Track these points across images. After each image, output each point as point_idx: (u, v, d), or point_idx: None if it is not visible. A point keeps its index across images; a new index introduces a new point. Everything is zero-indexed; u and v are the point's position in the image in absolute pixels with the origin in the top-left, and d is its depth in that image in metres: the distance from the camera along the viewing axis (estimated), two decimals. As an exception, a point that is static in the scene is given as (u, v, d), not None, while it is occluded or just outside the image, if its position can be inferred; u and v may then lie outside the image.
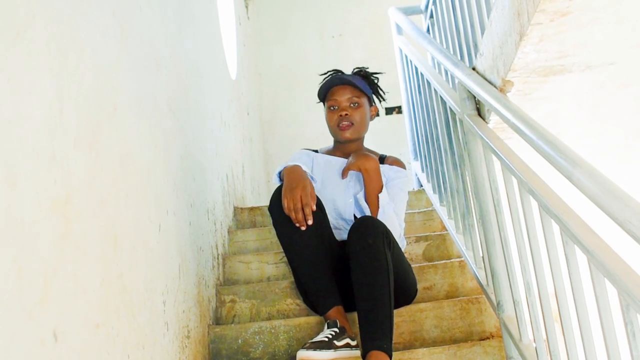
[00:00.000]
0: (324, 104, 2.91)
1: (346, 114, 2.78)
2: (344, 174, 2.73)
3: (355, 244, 2.37)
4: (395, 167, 2.81)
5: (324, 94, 2.87)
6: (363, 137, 2.90)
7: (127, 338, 1.69)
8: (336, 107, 2.81)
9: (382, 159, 2.90)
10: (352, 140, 2.82)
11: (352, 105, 2.80)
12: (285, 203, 2.47)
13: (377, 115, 2.96)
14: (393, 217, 2.67)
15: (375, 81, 2.97)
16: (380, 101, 3.00)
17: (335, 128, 2.80)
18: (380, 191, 2.66)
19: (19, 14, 1.25)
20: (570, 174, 1.56)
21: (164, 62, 2.43)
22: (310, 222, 2.46)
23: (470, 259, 2.70)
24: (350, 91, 2.81)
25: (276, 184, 2.73)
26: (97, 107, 1.65)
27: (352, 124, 2.79)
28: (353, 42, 6.52)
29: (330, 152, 2.93)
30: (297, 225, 2.46)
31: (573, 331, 1.69)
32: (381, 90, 2.99)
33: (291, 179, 2.53)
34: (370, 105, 2.90)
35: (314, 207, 2.47)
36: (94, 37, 1.69)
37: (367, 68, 2.98)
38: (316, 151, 2.95)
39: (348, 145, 2.86)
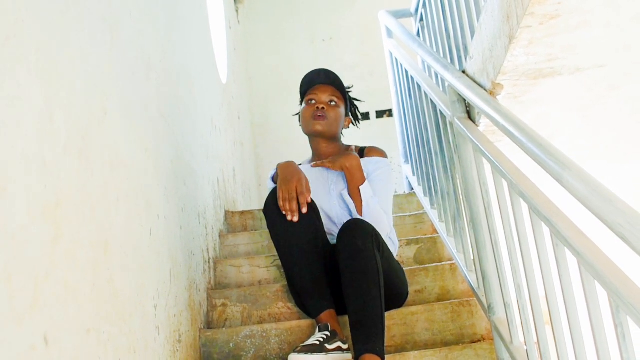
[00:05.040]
0: (301, 101, 2.95)
1: (323, 108, 2.83)
2: (318, 166, 2.77)
3: (344, 247, 2.37)
4: (374, 159, 2.83)
5: (306, 88, 2.93)
6: (339, 139, 2.93)
7: (118, 342, 1.68)
8: (314, 101, 2.86)
9: (362, 151, 2.92)
10: (322, 133, 2.84)
11: (330, 102, 2.86)
12: (280, 194, 2.49)
13: (348, 127, 3.01)
14: (379, 211, 2.67)
15: (355, 101, 3.07)
16: (353, 121, 3.07)
17: (309, 119, 2.84)
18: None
19: (8, 20, 1.25)
20: (560, 176, 1.57)
21: (154, 67, 2.43)
22: (304, 210, 2.48)
23: (461, 262, 2.70)
24: (332, 91, 2.88)
25: (268, 188, 2.73)
26: (87, 112, 1.65)
27: (326, 118, 2.81)
28: (344, 46, 6.52)
29: (309, 163, 2.95)
30: (289, 217, 2.47)
31: (564, 333, 1.69)
32: (358, 112, 3.09)
33: (286, 173, 2.57)
34: (346, 115, 2.94)
35: (309, 199, 2.50)
36: (84, 43, 1.69)
37: (351, 87, 3.04)
38: (299, 165, 2.97)
39: (324, 147, 2.89)
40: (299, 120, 2.95)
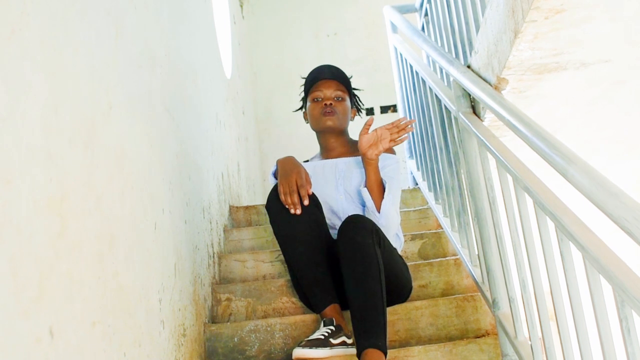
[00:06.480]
0: (305, 99, 2.96)
1: (330, 104, 2.83)
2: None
3: (344, 243, 2.37)
4: (383, 155, 2.79)
5: (309, 86, 2.93)
6: (347, 133, 2.93)
7: (123, 336, 1.69)
8: (321, 99, 2.87)
9: None
10: (333, 129, 2.84)
11: (336, 98, 2.87)
12: (280, 188, 2.50)
13: (353, 118, 2.99)
14: (395, 211, 2.65)
15: (355, 91, 3.06)
16: (357, 111, 3.06)
17: (319, 116, 2.84)
18: (380, 183, 2.64)
19: (13, 13, 1.25)
20: (565, 170, 1.57)
21: (159, 61, 2.43)
22: (306, 202, 2.49)
23: (466, 257, 2.70)
24: (336, 86, 2.88)
25: (271, 184, 2.74)
26: (92, 106, 1.65)
27: (335, 113, 2.83)
28: (348, 41, 6.51)
29: (318, 158, 2.95)
30: (292, 210, 2.47)
31: (568, 328, 1.69)
32: (360, 102, 3.08)
33: (286, 167, 2.58)
34: (352, 106, 2.94)
35: (310, 191, 2.50)
36: (89, 36, 1.69)
37: (350, 77, 3.03)
38: (306, 161, 2.96)
39: (333, 141, 2.88)
40: (304, 117, 2.96)
